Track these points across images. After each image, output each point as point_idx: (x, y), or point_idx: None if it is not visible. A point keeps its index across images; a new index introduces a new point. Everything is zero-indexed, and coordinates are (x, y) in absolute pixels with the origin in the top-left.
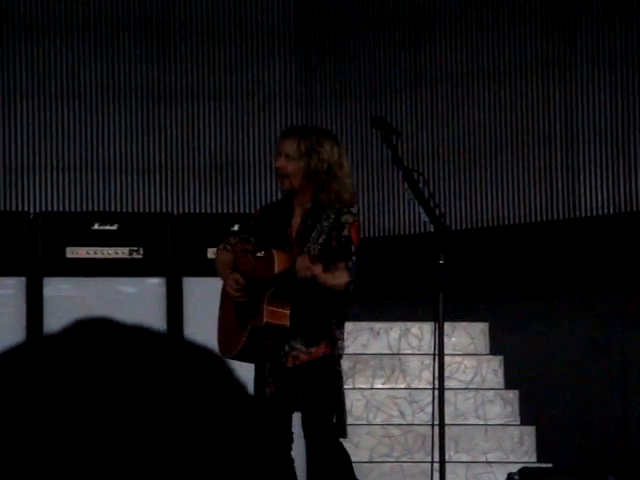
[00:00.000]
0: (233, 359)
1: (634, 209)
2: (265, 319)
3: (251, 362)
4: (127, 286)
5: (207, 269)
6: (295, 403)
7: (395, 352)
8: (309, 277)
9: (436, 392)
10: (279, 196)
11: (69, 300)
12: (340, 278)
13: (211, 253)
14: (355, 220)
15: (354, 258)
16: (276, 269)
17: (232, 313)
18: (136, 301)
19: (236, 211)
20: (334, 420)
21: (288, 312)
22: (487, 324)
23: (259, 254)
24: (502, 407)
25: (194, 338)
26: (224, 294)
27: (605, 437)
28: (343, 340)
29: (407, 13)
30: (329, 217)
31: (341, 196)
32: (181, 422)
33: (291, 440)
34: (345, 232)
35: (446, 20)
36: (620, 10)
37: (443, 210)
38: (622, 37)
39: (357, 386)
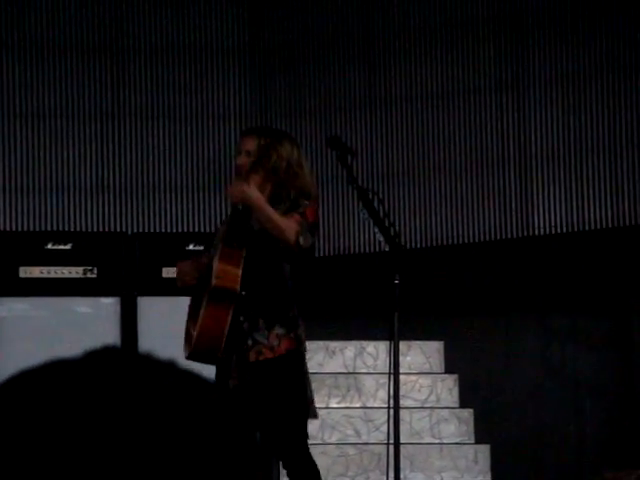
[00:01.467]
0: (191, 359)
1: (587, 228)
2: (214, 280)
3: (210, 361)
4: (81, 306)
5: (162, 288)
6: (258, 404)
7: (350, 371)
8: (246, 203)
9: (391, 411)
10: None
11: (23, 320)
12: (290, 223)
13: (166, 272)
14: (313, 205)
15: (307, 221)
16: (223, 233)
17: (190, 313)
18: (91, 321)
19: (190, 230)
20: (300, 421)
21: (239, 272)
22: (442, 343)
23: None
24: (457, 426)
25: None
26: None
27: (559, 455)
28: (301, 326)
29: (361, 33)
30: (285, 204)
31: (304, 191)
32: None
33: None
34: (300, 210)
35: (401, 40)
36: (572, 32)
37: (398, 229)
38: (574, 59)
39: None
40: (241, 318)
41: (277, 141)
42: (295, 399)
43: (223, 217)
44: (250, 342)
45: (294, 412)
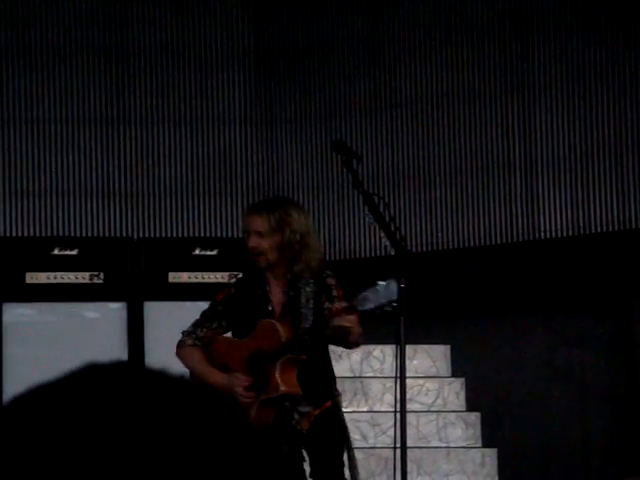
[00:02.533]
0: None
1: (593, 231)
2: (282, 388)
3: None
4: (89, 311)
5: (168, 293)
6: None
7: (357, 375)
8: (347, 329)
9: (398, 415)
10: (239, 223)
11: (30, 326)
12: (359, 328)
13: (172, 277)
14: (338, 283)
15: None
16: (283, 338)
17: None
18: (97, 326)
19: (196, 235)
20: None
21: (296, 379)
22: (448, 346)
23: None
24: (464, 430)
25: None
26: (202, 363)
27: (566, 459)
28: (340, 394)
29: (366, 37)
30: (309, 283)
31: (310, 264)
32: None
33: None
34: (334, 293)
35: (405, 44)
36: (577, 36)
37: (404, 233)
38: (579, 63)
39: None
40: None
41: (286, 214)
42: (339, 442)
43: (228, 222)
44: (297, 416)
45: (340, 452)
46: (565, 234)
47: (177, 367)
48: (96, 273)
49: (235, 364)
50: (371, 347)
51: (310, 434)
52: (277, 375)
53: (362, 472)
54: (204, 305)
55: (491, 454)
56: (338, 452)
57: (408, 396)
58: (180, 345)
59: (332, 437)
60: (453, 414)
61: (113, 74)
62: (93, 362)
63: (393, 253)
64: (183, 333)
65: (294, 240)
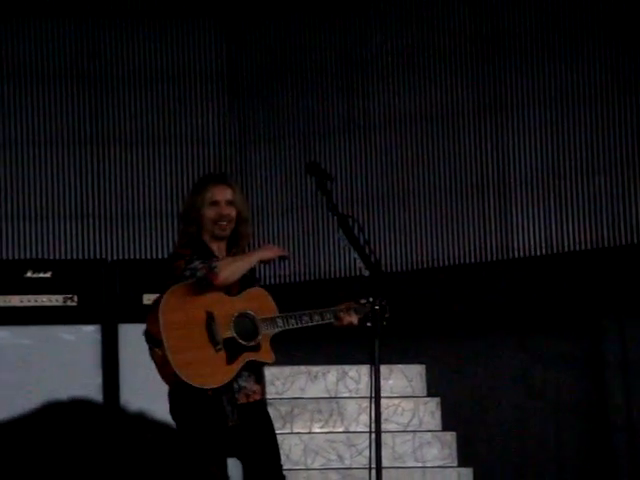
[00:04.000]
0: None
1: (566, 250)
2: (271, 358)
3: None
4: (62, 334)
5: (143, 315)
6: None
7: (333, 396)
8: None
9: (373, 435)
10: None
11: (3, 349)
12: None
13: (146, 299)
14: None
15: None
16: (275, 311)
17: (203, 341)
18: (72, 348)
19: None
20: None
21: None
22: (424, 366)
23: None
24: (440, 449)
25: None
26: (181, 323)
27: (541, 477)
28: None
29: (340, 58)
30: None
31: (248, 239)
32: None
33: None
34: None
35: (379, 65)
36: (550, 56)
37: (378, 253)
38: (553, 83)
39: (295, 430)
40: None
41: (240, 190)
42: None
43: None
44: (236, 385)
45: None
46: (538, 253)
47: (152, 389)
48: (70, 295)
49: (221, 316)
50: (347, 367)
51: (248, 415)
52: (269, 344)
53: None
54: None
55: (467, 473)
56: (276, 445)
57: (384, 416)
58: (213, 270)
59: (272, 428)
60: (429, 434)
61: (87, 96)
62: None
63: (367, 275)
64: (209, 266)
65: (247, 215)
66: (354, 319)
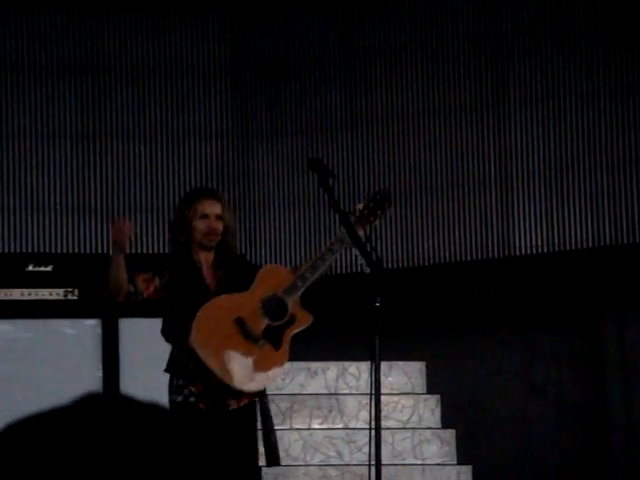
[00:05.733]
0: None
1: (568, 248)
2: (309, 319)
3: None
4: (63, 327)
5: (143, 310)
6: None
7: (332, 392)
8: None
9: (373, 432)
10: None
11: (5, 342)
12: None
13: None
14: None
15: None
16: (291, 275)
17: (247, 345)
18: (72, 342)
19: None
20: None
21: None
22: (424, 363)
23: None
24: (439, 446)
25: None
26: (215, 320)
27: (541, 475)
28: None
29: (342, 52)
30: (236, 267)
31: (234, 251)
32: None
33: None
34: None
35: (382, 61)
36: (551, 53)
37: (379, 250)
38: (555, 81)
39: (294, 426)
40: None
41: (227, 205)
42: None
43: None
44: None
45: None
46: (540, 251)
47: (152, 383)
48: (71, 289)
49: (248, 314)
50: (347, 364)
51: (237, 420)
52: (298, 308)
53: None
54: None
55: (466, 471)
56: (255, 452)
57: (383, 413)
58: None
59: (253, 435)
60: (428, 431)
61: (89, 90)
62: None
63: (368, 272)
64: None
65: (234, 228)
66: (360, 232)
